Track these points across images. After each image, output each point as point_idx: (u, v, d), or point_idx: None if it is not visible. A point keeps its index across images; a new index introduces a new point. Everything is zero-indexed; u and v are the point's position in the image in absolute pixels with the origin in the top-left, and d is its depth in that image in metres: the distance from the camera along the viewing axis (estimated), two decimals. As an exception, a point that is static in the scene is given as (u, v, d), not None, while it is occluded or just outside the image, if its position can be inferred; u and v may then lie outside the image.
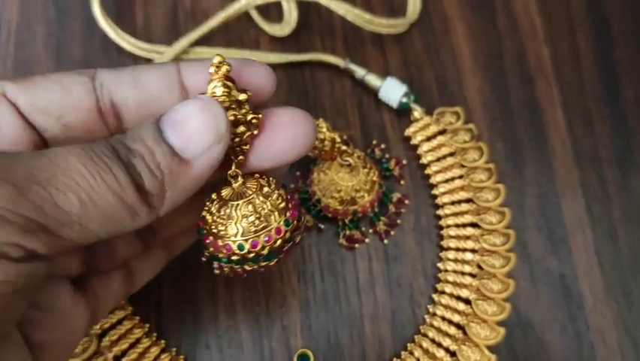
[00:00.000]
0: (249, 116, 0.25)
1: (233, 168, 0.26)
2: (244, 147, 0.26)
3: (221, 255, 0.26)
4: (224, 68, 0.24)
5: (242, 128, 0.25)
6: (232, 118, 0.24)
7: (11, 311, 0.21)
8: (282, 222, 0.26)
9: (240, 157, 0.26)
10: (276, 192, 0.26)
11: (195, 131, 0.23)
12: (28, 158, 0.21)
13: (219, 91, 0.24)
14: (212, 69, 0.24)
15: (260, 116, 0.25)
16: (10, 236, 0.19)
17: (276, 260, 0.27)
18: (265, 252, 0.26)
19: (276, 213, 0.26)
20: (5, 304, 0.20)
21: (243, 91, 0.25)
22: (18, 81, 0.25)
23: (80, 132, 0.26)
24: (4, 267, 0.19)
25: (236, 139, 0.25)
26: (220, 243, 0.26)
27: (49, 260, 0.21)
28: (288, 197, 0.27)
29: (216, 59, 0.24)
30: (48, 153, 0.21)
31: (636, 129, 0.41)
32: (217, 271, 0.31)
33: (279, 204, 0.26)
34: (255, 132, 0.25)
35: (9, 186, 0.20)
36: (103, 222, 0.22)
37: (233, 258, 0.26)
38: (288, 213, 0.26)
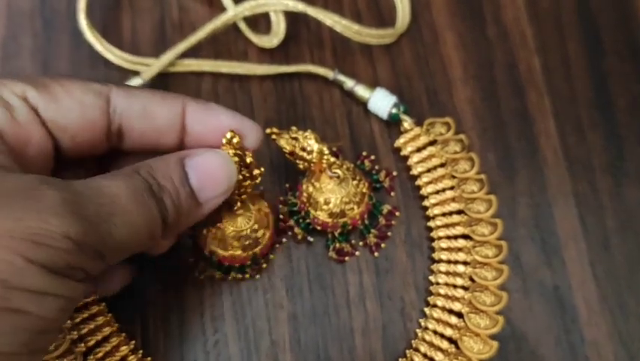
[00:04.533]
0: (255, 172, 0.32)
1: (238, 205, 0.34)
2: (247, 190, 0.33)
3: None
4: (235, 141, 0.31)
5: (248, 182, 0.33)
6: (241, 177, 0.32)
7: (63, 322, 0.25)
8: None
9: (244, 196, 0.33)
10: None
11: (214, 180, 0.29)
12: (93, 195, 0.25)
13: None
14: (224, 141, 0.31)
15: (261, 170, 0.33)
16: (81, 262, 0.24)
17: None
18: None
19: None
20: (65, 316, 0.25)
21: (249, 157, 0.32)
22: (39, 88, 0.28)
23: (85, 147, 0.30)
24: (72, 286, 0.24)
25: (242, 189, 0.33)
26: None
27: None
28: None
29: (229, 135, 0.31)
30: (106, 189, 0.25)
31: (628, 137, 0.40)
32: (201, 277, 0.36)
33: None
34: (257, 181, 0.33)
35: (84, 222, 0.24)
36: (134, 249, 0.27)
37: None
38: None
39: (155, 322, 0.36)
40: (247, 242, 0.35)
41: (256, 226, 0.35)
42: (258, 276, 0.36)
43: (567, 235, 0.38)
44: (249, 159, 0.32)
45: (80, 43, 0.42)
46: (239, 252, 0.35)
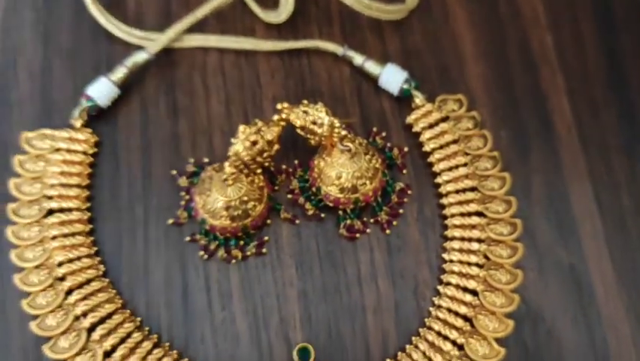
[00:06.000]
0: (275, 146, 0.34)
1: (228, 175, 0.34)
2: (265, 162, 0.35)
3: None
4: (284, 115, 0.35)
5: (266, 154, 0.34)
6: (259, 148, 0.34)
7: None
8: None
9: (255, 166, 0.34)
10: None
11: None
12: None
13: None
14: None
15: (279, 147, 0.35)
16: None
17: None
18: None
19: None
20: None
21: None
22: None
23: None
24: None
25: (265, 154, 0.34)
26: None
27: None
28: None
29: (279, 106, 0.34)
30: None
31: (643, 116, 0.40)
32: (205, 256, 0.35)
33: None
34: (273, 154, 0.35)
35: None
36: None
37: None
38: None
39: (161, 298, 0.35)
40: (236, 213, 0.34)
41: (246, 198, 0.34)
42: (265, 250, 0.35)
43: (582, 214, 0.37)
44: (273, 135, 0.33)
45: (83, 17, 0.41)
46: (227, 222, 0.34)
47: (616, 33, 0.42)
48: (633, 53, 0.41)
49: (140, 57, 0.39)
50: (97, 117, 0.38)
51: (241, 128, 0.33)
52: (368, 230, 0.36)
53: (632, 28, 0.42)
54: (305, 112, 0.35)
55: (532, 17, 0.42)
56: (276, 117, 0.35)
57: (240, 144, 0.33)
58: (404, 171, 0.38)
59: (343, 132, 0.35)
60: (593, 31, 0.42)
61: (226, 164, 0.34)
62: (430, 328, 0.34)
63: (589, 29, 0.42)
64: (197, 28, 0.40)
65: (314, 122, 0.35)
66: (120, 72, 0.38)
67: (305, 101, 0.35)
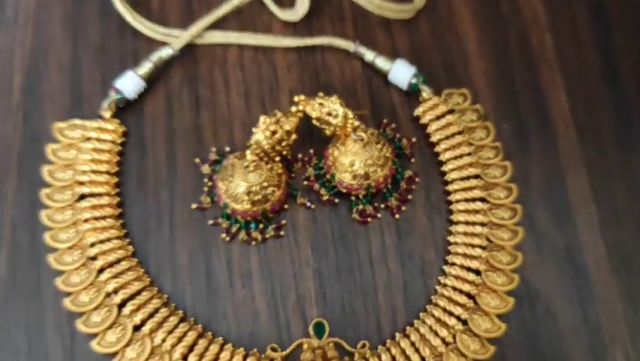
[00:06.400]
0: (292, 136, 0.37)
1: (250, 162, 0.37)
2: (283, 151, 0.37)
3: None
4: (300, 107, 0.38)
5: (285, 143, 0.37)
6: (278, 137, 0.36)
7: None
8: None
9: (274, 155, 0.37)
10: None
11: None
12: None
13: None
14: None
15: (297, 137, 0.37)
16: None
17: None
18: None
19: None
20: None
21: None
22: None
23: None
24: None
25: (283, 143, 0.36)
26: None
27: None
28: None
29: (296, 99, 0.37)
30: None
31: (637, 111, 0.42)
32: (227, 238, 0.38)
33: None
34: (291, 143, 0.37)
35: None
36: None
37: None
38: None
39: (186, 277, 0.37)
40: (256, 197, 0.37)
41: (265, 184, 0.37)
42: (282, 232, 0.38)
43: (578, 200, 0.40)
44: (291, 125, 0.36)
45: (110, 14, 0.43)
46: (248, 206, 0.37)
47: (611, 33, 0.45)
48: (628, 51, 0.44)
49: (164, 52, 0.42)
50: (124, 109, 0.41)
51: (262, 118, 0.36)
52: (379, 215, 0.39)
53: (627, 29, 0.45)
54: (321, 104, 0.37)
55: (532, 17, 0.45)
56: (293, 109, 0.37)
57: (261, 134, 0.36)
58: (412, 160, 0.41)
59: (356, 123, 0.37)
60: (589, 31, 0.45)
61: (248, 152, 0.36)
62: (436, 305, 0.37)
63: (586, 29, 0.45)
64: (218, 25, 0.43)
65: (329, 114, 0.37)
66: (146, 66, 0.41)
67: (321, 94, 0.38)
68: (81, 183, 0.38)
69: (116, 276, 0.36)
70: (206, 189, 0.39)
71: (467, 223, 0.38)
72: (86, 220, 0.37)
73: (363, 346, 0.36)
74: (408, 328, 0.36)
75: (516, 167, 0.40)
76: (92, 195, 0.38)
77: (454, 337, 0.36)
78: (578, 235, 0.39)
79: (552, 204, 0.40)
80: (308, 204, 0.39)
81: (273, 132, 0.36)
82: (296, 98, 0.38)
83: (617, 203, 0.40)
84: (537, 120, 0.42)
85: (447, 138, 0.40)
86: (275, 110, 0.39)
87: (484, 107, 0.42)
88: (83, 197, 0.38)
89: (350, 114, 0.37)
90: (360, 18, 0.44)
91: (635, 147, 0.41)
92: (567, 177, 0.41)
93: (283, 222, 0.39)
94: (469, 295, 0.37)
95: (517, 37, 0.44)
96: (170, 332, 0.35)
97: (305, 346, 0.35)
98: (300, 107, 0.38)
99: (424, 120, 0.41)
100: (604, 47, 0.44)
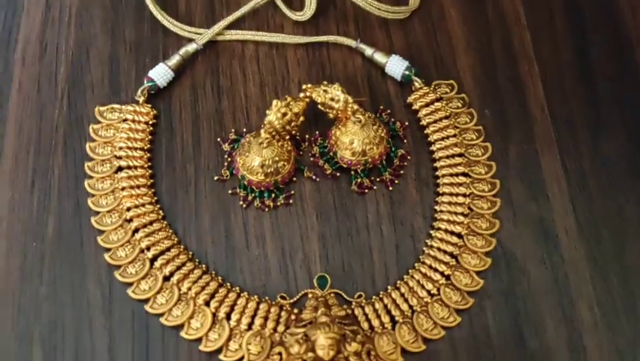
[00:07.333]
0: (301, 118, 0.43)
1: (264, 138, 0.42)
2: (292, 131, 0.43)
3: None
4: (308, 93, 0.44)
5: (293, 124, 0.42)
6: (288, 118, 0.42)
7: None
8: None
9: (284, 134, 0.43)
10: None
11: None
12: None
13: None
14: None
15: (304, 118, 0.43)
16: None
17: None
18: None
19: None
20: None
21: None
22: None
23: None
24: None
25: (292, 123, 0.42)
26: None
27: None
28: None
29: (304, 86, 0.44)
30: None
31: (605, 99, 0.48)
32: (244, 205, 0.44)
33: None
34: (299, 124, 0.43)
35: None
36: None
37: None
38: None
39: (208, 238, 0.43)
40: (269, 170, 0.43)
41: (277, 158, 0.43)
42: (291, 201, 0.44)
43: (551, 177, 0.45)
44: (299, 108, 0.42)
45: (143, 15, 0.50)
46: (262, 177, 0.43)
47: (586, 33, 0.50)
48: (600, 49, 0.50)
49: (190, 47, 0.48)
50: (156, 95, 0.47)
51: (274, 102, 0.42)
52: (375, 187, 0.45)
53: (600, 29, 0.50)
54: (325, 91, 0.43)
55: (514, 18, 0.51)
56: (301, 95, 0.44)
57: (273, 115, 0.42)
58: (405, 141, 0.46)
59: (355, 107, 0.43)
60: (566, 31, 0.50)
61: (262, 131, 0.42)
62: (423, 263, 0.42)
63: (562, 29, 0.50)
64: (237, 25, 0.49)
65: (332, 99, 0.43)
66: (175, 59, 0.47)
67: (325, 82, 0.44)
68: (118, 158, 0.45)
69: (148, 235, 0.42)
70: (226, 164, 0.45)
71: (452, 194, 0.44)
72: (122, 188, 0.44)
73: (359, 296, 0.41)
74: (398, 282, 0.42)
75: (496, 147, 0.46)
76: (128, 167, 0.44)
77: (438, 290, 0.41)
78: (551, 207, 0.45)
79: (527, 180, 0.45)
80: (313, 177, 0.45)
81: (284, 114, 0.42)
82: (304, 86, 0.44)
83: (585, 179, 0.45)
84: (516, 108, 0.48)
85: (435, 121, 0.46)
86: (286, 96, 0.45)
87: (468, 96, 0.48)
88: (120, 169, 0.44)
89: (350, 99, 0.43)
90: (362, 18, 0.50)
91: (602, 131, 0.47)
92: (541, 157, 0.46)
93: (292, 192, 0.44)
94: (452, 255, 0.42)
95: (500, 36, 0.50)
96: (195, 282, 0.41)
97: (310, 295, 0.41)
98: (307, 94, 0.44)
99: (415, 107, 0.47)
100: (579, 46, 0.50)
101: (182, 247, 0.43)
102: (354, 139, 0.43)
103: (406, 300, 0.41)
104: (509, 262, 0.43)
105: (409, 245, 0.43)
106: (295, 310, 0.40)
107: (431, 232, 0.43)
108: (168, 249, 0.42)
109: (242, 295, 0.41)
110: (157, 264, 0.41)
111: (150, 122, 0.46)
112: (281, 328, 0.40)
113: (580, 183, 0.45)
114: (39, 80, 0.48)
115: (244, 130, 0.46)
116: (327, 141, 0.45)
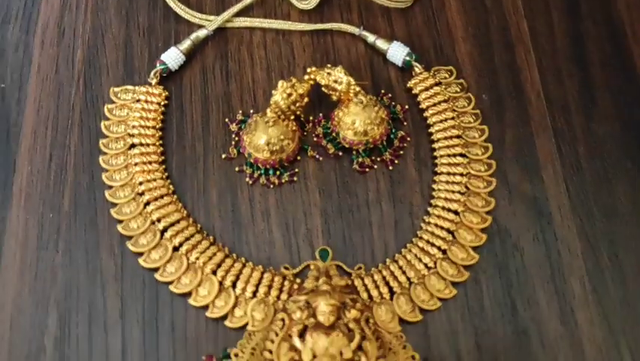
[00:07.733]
0: (305, 99, 0.45)
1: (270, 117, 0.45)
2: (297, 111, 0.46)
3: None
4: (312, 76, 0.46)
5: (298, 104, 0.45)
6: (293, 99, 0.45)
7: None
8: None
9: (290, 114, 0.45)
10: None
11: None
12: None
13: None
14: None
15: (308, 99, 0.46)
16: None
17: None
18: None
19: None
20: None
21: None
22: None
23: None
24: None
25: (297, 104, 0.45)
26: None
27: None
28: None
29: (309, 70, 0.46)
30: None
31: (599, 85, 0.50)
32: (250, 182, 0.45)
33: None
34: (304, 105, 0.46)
35: None
36: None
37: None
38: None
39: (215, 212, 0.45)
40: (274, 148, 0.45)
41: (282, 137, 0.45)
42: (295, 178, 0.46)
43: (545, 158, 0.47)
44: (304, 89, 0.44)
45: (156, 2, 0.52)
46: (268, 155, 0.45)
47: (581, 21, 0.52)
48: (595, 37, 0.52)
49: (201, 33, 0.50)
50: (167, 78, 0.50)
51: (280, 82, 0.44)
52: (375, 166, 0.47)
53: (595, 17, 0.52)
54: (328, 73, 0.46)
55: (512, 7, 0.53)
56: (306, 77, 0.46)
57: (279, 95, 0.44)
58: (405, 123, 0.48)
59: (357, 89, 0.45)
60: (561, 19, 0.52)
61: (268, 110, 0.44)
62: (420, 238, 0.44)
63: (558, 17, 0.52)
64: (245, 12, 0.52)
65: (335, 81, 0.45)
66: (186, 43, 0.50)
67: (329, 65, 0.46)
68: (131, 135, 0.47)
69: (159, 208, 0.44)
70: (233, 142, 0.47)
71: (449, 174, 0.46)
72: (135, 164, 0.46)
73: (359, 268, 0.43)
74: (396, 254, 0.44)
75: (492, 130, 0.48)
76: (141, 144, 0.47)
77: (435, 263, 0.43)
78: (545, 187, 0.46)
79: (522, 161, 0.47)
80: (317, 156, 0.47)
81: (289, 94, 0.44)
82: (308, 70, 0.46)
83: (579, 161, 0.47)
84: (512, 92, 0.50)
85: (434, 105, 0.48)
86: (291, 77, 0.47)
87: (467, 81, 0.50)
88: (133, 146, 0.47)
89: (352, 82, 0.45)
90: (365, 7, 0.52)
91: (595, 115, 0.49)
92: (536, 139, 0.48)
93: (296, 170, 0.47)
94: (448, 231, 0.44)
95: (497, 24, 0.52)
96: (202, 252, 0.43)
97: (312, 266, 0.43)
98: (312, 76, 0.46)
99: (415, 91, 0.49)
100: (574, 33, 0.52)
101: (191, 220, 0.45)
102: (356, 119, 0.45)
103: (404, 272, 0.43)
104: (504, 238, 0.45)
105: (408, 221, 0.45)
106: (298, 280, 0.42)
107: (429, 208, 0.45)
108: (178, 221, 0.44)
109: (247, 265, 0.43)
110: (167, 235, 0.44)
111: (162, 103, 0.48)
112: (284, 296, 0.42)
113: (573, 164, 0.47)
114: (57, 62, 0.50)
115: (251, 111, 0.48)
116: (330, 122, 0.48)
